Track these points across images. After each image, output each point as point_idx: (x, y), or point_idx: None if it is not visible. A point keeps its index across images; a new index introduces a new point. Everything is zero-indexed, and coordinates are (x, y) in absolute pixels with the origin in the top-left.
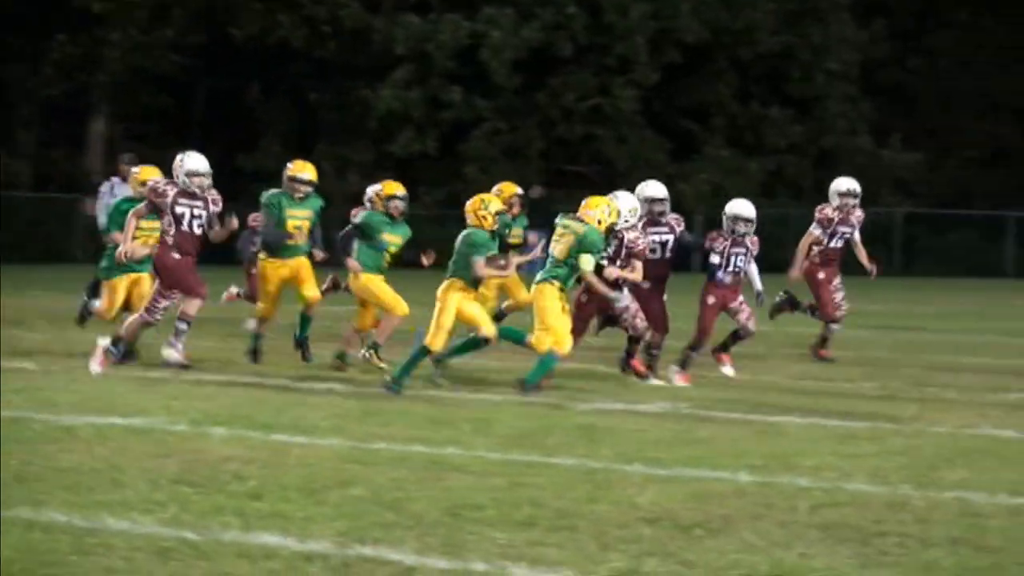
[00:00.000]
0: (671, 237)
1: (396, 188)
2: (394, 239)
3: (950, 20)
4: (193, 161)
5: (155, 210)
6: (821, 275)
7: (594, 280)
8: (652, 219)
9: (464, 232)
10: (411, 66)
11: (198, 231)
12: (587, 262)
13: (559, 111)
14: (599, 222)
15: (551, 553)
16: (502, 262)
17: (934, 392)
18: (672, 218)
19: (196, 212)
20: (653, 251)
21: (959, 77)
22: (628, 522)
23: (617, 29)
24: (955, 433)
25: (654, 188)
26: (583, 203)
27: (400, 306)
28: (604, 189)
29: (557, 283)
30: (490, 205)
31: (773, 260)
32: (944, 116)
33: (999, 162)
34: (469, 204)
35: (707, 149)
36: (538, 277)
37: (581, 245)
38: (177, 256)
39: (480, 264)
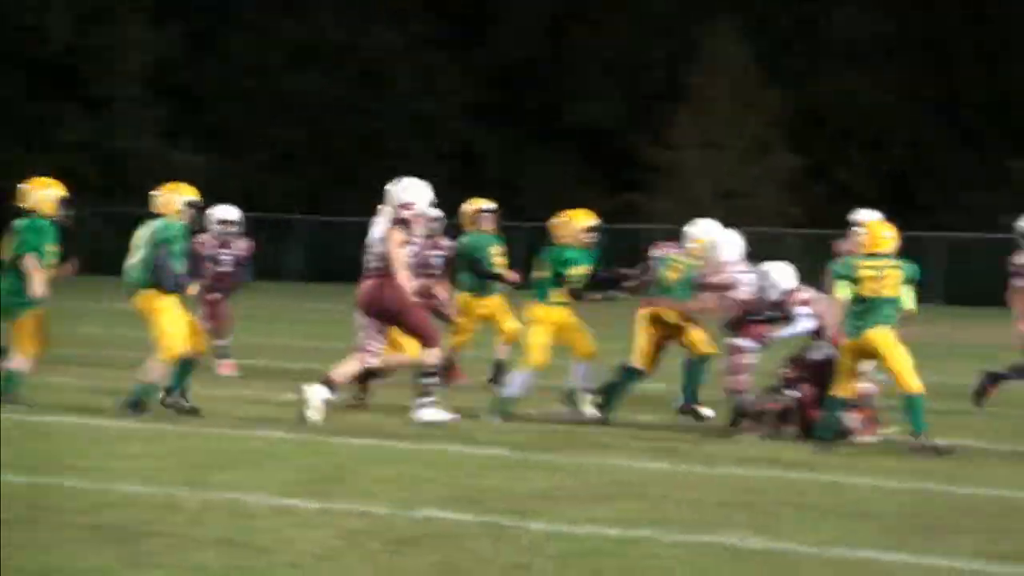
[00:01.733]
0: None
1: None
2: None
3: (245, 22)
4: None
5: None
6: None
7: None
8: None
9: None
10: None
11: None
12: None
13: None
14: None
15: None
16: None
17: (206, 393)
18: None
19: None
20: None
21: (250, 79)
22: None
23: None
24: (228, 434)
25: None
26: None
27: None
28: None
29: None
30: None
31: None
32: (234, 118)
33: (288, 165)
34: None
35: None
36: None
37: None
38: None
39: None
